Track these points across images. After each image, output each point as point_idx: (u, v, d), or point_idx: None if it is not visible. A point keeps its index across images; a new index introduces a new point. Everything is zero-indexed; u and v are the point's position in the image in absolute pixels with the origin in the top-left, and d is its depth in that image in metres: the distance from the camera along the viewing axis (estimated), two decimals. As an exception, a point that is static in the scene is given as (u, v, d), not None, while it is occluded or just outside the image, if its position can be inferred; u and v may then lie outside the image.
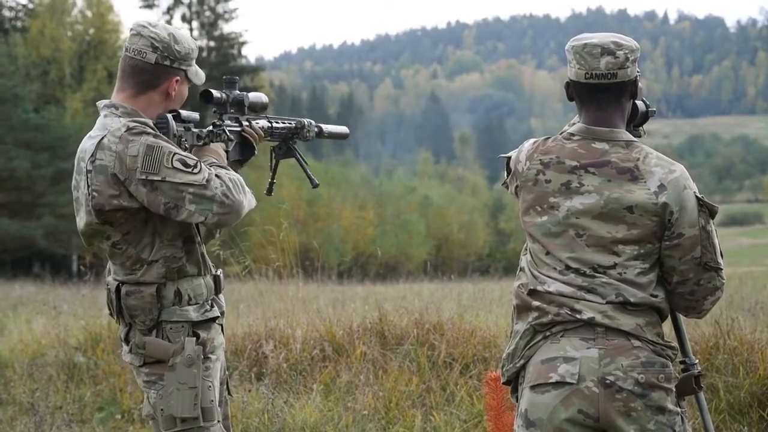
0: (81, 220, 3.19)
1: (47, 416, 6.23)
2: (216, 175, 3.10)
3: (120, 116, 3.14)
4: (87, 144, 3.15)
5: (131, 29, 3.23)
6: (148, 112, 3.20)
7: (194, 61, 3.31)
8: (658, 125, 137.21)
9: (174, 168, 3.04)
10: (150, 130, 3.10)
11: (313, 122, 3.71)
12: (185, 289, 3.20)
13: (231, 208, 3.10)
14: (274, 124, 3.57)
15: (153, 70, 3.19)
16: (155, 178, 3.03)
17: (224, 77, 3.46)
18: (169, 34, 3.21)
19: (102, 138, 3.09)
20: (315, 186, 3.70)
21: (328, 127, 3.83)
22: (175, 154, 3.06)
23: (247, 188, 3.23)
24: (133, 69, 3.20)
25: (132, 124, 3.09)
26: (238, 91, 3.45)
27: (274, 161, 3.67)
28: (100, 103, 3.24)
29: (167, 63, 3.20)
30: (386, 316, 7.18)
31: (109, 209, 3.08)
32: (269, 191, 3.72)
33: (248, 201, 3.21)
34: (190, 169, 3.06)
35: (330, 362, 6.80)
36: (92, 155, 3.09)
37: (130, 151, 3.04)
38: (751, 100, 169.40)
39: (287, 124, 3.63)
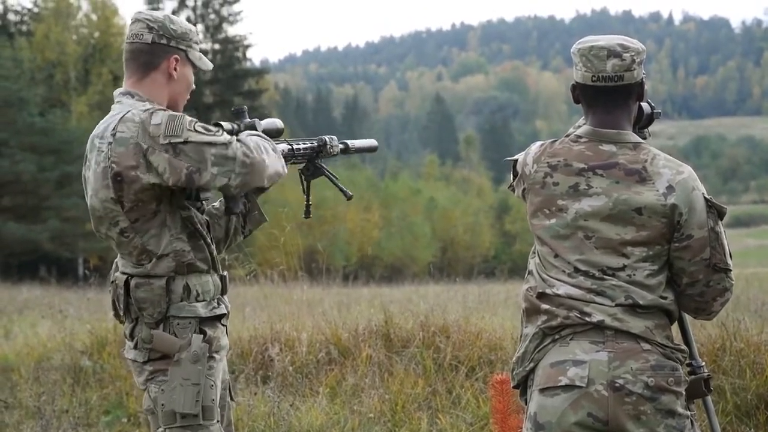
0: (93, 198, 3.20)
1: (53, 420, 6.23)
2: (237, 139, 3.13)
3: (138, 101, 3.21)
4: (104, 124, 3.19)
5: (131, 19, 3.32)
6: (155, 95, 3.25)
7: (196, 46, 3.35)
8: (664, 126, 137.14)
9: (196, 131, 3.08)
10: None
11: (335, 138, 3.68)
12: (194, 285, 3.21)
13: (252, 167, 3.09)
14: (295, 146, 3.56)
15: (151, 49, 3.25)
16: (178, 140, 3.05)
17: (232, 109, 3.48)
18: (165, 16, 3.29)
19: (126, 113, 3.14)
20: (349, 198, 3.66)
21: (354, 143, 3.78)
22: (196, 121, 3.12)
23: (272, 151, 3.21)
24: (132, 53, 3.27)
25: (157, 106, 3.17)
26: (248, 119, 3.46)
27: (304, 183, 3.65)
28: (117, 92, 3.30)
29: (164, 42, 3.25)
30: (392, 319, 7.17)
31: (126, 180, 3.10)
32: (307, 213, 3.70)
33: (272, 162, 3.18)
34: (211, 132, 3.10)
35: (336, 365, 6.80)
36: (114, 129, 3.12)
37: (154, 120, 3.08)
38: (756, 101, 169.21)
39: (308, 144, 3.61)
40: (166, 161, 3.06)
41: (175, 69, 3.27)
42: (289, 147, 3.52)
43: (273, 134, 3.50)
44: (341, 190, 3.64)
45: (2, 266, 32.71)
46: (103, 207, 3.18)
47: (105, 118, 3.22)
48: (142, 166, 3.08)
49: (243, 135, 3.19)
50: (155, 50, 3.24)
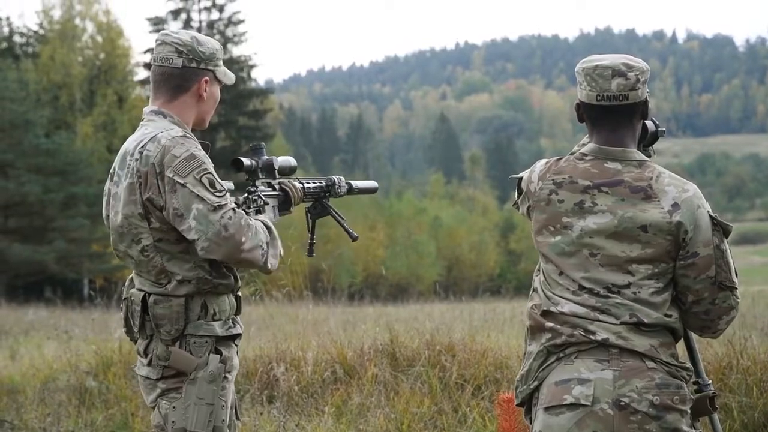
0: (117, 215, 3.23)
1: (59, 441, 6.22)
2: (233, 210, 3.12)
3: (171, 122, 3.24)
4: (135, 141, 3.22)
5: (156, 40, 3.33)
6: (185, 115, 3.29)
7: (221, 62, 3.38)
8: (668, 144, 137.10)
9: (199, 182, 3.10)
10: (200, 148, 3.20)
11: (342, 178, 3.76)
12: (211, 304, 3.22)
13: (224, 242, 3.07)
14: (306, 185, 3.62)
15: (182, 74, 3.27)
16: (179, 180, 3.09)
17: (250, 145, 3.54)
18: (192, 38, 3.30)
19: (157, 133, 3.18)
20: (354, 239, 3.73)
21: (357, 184, 3.88)
22: (209, 173, 3.13)
23: (263, 241, 3.16)
24: (162, 76, 3.29)
25: (189, 135, 3.21)
26: (266, 156, 3.52)
27: (310, 222, 3.69)
28: (146, 109, 3.33)
29: (194, 65, 3.28)
30: (397, 338, 7.16)
31: (149, 199, 3.14)
32: (310, 252, 3.74)
33: (250, 250, 3.10)
34: (212, 191, 3.10)
35: (341, 384, 6.78)
36: (143, 146, 3.17)
37: (175, 151, 3.12)
38: (761, 119, 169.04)
39: (318, 183, 3.68)
40: (166, 192, 3.11)
41: (205, 90, 3.31)
42: (301, 185, 3.59)
43: (287, 172, 3.58)
44: (347, 231, 3.72)
45: (8, 288, 32.73)
46: (128, 223, 3.20)
47: (136, 135, 3.25)
48: (153, 186, 3.13)
49: (247, 216, 3.16)
50: (186, 74, 3.27)
